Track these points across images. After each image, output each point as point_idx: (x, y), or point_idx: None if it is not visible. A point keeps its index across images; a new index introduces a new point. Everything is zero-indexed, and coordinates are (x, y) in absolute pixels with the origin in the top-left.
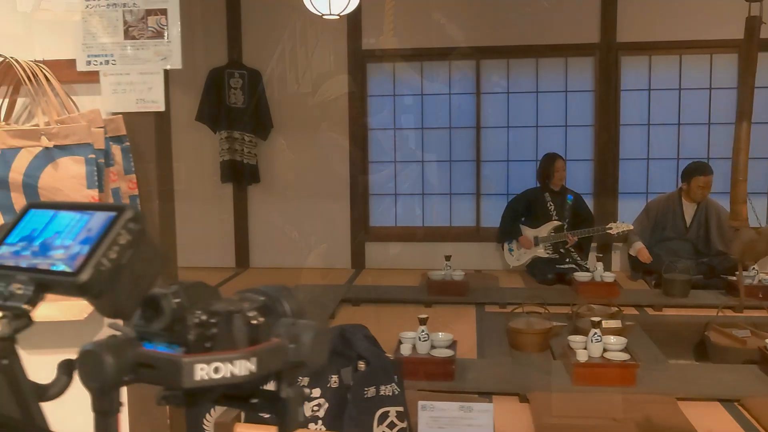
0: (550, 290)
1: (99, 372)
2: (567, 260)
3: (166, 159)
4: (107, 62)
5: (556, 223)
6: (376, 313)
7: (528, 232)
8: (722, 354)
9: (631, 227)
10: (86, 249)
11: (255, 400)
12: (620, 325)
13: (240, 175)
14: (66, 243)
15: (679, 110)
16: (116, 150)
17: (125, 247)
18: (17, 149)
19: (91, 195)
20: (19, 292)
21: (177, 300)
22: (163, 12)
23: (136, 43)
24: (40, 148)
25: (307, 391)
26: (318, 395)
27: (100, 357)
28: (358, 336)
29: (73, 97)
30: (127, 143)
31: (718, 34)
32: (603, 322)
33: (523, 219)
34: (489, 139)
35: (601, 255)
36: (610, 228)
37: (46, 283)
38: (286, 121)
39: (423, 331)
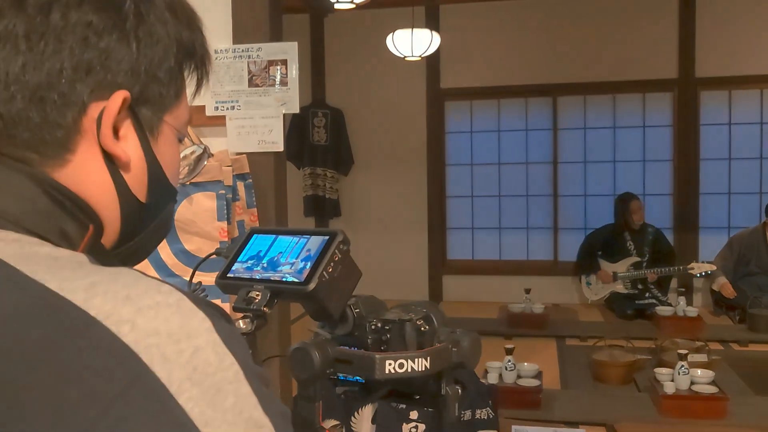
0: (631, 324)
1: (308, 365)
2: (647, 295)
3: (282, 194)
4: (233, 108)
5: (635, 259)
6: None
7: (606, 267)
8: None
9: (714, 267)
10: (309, 264)
11: (417, 396)
12: (706, 359)
13: (322, 209)
14: (291, 260)
15: (761, 144)
16: (240, 186)
17: (338, 263)
18: None
19: (221, 227)
20: (258, 298)
21: (357, 310)
22: (284, 62)
23: (259, 90)
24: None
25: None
26: (416, 417)
27: (309, 353)
28: None
29: (201, 140)
30: (250, 180)
31: None
32: (689, 355)
33: (600, 253)
34: (566, 174)
35: (683, 290)
36: (692, 268)
37: (278, 291)
38: (367, 158)
39: (509, 360)
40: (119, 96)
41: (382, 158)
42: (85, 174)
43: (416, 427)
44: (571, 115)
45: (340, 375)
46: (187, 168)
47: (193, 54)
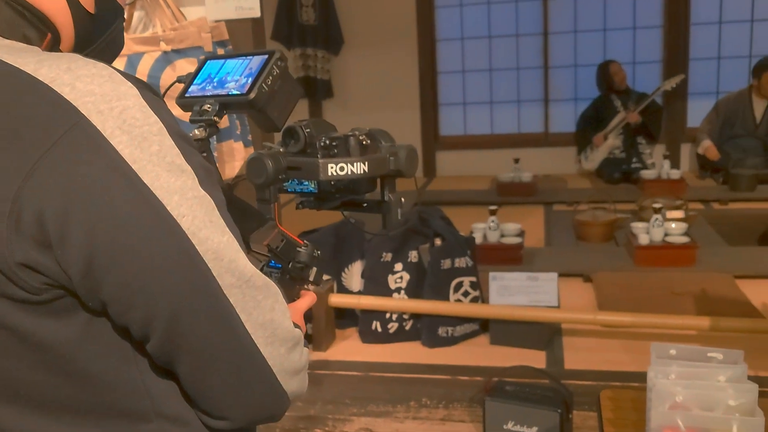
0: (617, 189)
1: (262, 171)
2: (634, 159)
3: None
4: None
5: (622, 115)
6: (447, 214)
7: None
8: None
9: (683, 76)
10: (251, 79)
11: (365, 205)
12: (683, 215)
13: (314, 90)
14: (236, 78)
15: (752, 7)
16: (221, 53)
17: (276, 78)
18: (141, 54)
19: None
20: (209, 109)
21: (308, 130)
22: None
23: None
24: (160, 52)
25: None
26: (400, 269)
27: (263, 161)
28: (434, 216)
29: (181, 9)
30: (230, 47)
31: None
32: (667, 212)
33: (595, 126)
34: (556, 46)
35: (668, 153)
36: (663, 85)
37: (226, 102)
38: (357, 36)
39: (493, 221)
40: None
41: (372, 36)
42: None
43: (401, 277)
44: None
45: (297, 188)
46: None
47: None
